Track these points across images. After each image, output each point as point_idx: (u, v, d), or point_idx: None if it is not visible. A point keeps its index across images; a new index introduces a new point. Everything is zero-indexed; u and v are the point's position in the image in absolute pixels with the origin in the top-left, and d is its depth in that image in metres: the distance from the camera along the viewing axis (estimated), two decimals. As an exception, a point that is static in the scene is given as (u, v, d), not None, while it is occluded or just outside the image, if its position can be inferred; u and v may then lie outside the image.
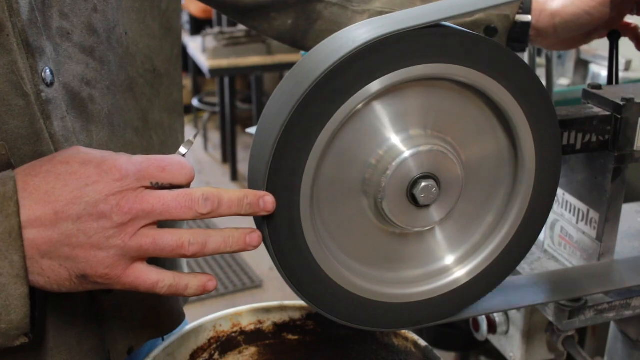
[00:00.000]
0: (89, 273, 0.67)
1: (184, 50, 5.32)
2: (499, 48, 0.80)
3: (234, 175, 5.01)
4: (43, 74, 0.74)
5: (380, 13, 1.08)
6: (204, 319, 1.00)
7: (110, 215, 0.65)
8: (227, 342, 0.99)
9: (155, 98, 0.95)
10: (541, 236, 1.20)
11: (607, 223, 1.11)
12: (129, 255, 0.67)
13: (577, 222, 1.17)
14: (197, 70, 5.22)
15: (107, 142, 0.85)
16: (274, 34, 1.16)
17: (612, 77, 1.28)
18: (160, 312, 0.94)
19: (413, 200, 0.80)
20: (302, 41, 1.15)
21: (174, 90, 1.00)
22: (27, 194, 0.66)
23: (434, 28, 0.76)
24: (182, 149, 0.75)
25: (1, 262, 0.64)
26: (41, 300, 0.71)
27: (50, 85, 0.76)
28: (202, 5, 5.26)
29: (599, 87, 1.09)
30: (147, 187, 0.67)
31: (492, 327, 1.39)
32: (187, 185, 0.70)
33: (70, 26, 0.79)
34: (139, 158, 0.68)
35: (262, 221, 0.77)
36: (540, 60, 1.64)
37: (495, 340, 1.44)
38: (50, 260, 0.66)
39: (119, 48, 0.87)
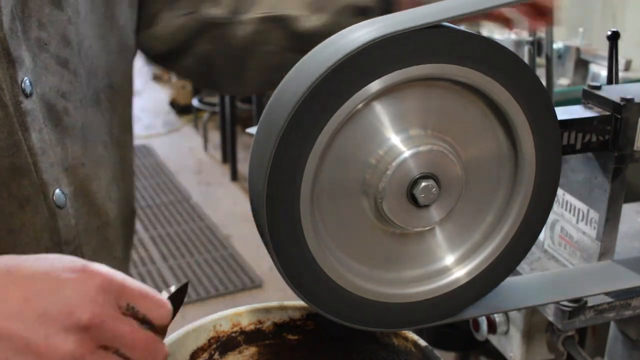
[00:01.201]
0: None
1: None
2: (499, 48, 0.80)
3: (234, 175, 5.01)
4: (22, 85, 0.74)
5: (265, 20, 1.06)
6: (204, 319, 1.00)
7: (73, 314, 0.60)
8: (227, 342, 0.99)
9: (114, 114, 0.95)
10: (541, 236, 1.20)
11: (607, 223, 1.12)
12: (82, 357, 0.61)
13: (577, 222, 1.17)
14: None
15: (80, 155, 0.84)
16: (188, 73, 1.13)
17: (612, 77, 1.28)
18: None
19: (413, 200, 0.80)
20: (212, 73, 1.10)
21: (126, 107, 0.99)
22: (6, 272, 0.61)
23: (434, 28, 0.76)
24: (172, 288, 0.70)
25: None
26: None
27: (29, 96, 0.75)
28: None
29: (598, 87, 1.09)
30: (122, 310, 0.63)
31: (492, 327, 1.39)
32: (160, 329, 0.66)
33: (48, 37, 0.78)
34: (116, 275, 0.63)
35: (263, 221, 0.77)
36: (540, 60, 1.64)
37: (495, 340, 1.44)
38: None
39: (87, 61, 0.86)
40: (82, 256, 0.84)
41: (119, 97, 0.96)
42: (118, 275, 0.63)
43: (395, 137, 0.80)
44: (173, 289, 0.69)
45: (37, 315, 0.59)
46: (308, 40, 0.90)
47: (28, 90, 0.75)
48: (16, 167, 0.75)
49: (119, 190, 0.95)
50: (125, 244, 0.98)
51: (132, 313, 0.63)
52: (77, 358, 0.60)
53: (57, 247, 0.81)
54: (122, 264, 1.01)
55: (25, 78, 0.74)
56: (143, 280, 3.01)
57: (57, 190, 0.81)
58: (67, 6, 0.81)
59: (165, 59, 1.11)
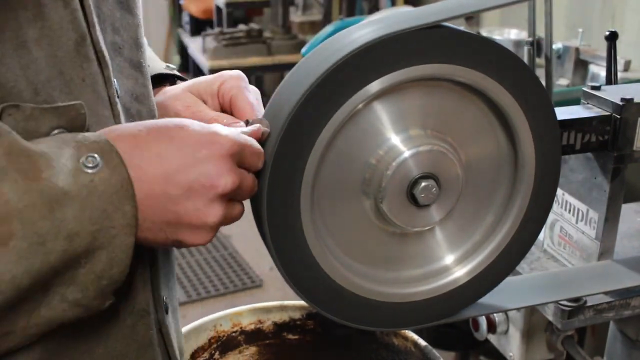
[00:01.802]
0: (186, 241, 0.69)
1: (185, 51, 5.32)
2: (499, 48, 0.80)
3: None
4: (115, 86, 0.74)
5: None
6: (204, 318, 1.00)
7: (217, 187, 0.67)
8: (228, 342, 0.99)
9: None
10: (541, 236, 1.21)
11: (607, 223, 1.12)
12: (225, 218, 0.70)
13: (576, 222, 1.18)
14: (197, 71, 5.22)
15: None
16: None
17: (611, 77, 1.28)
18: None
19: (413, 200, 0.81)
20: None
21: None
22: (138, 151, 0.66)
23: (434, 29, 0.76)
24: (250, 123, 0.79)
25: (114, 214, 0.63)
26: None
27: (119, 97, 0.76)
28: (202, 6, 5.26)
29: (598, 87, 1.10)
30: (239, 165, 0.71)
31: (492, 326, 1.39)
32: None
33: (121, 41, 0.79)
34: (240, 138, 0.71)
35: (264, 221, 0.77)
36: (540, 61, 1.63)
37: (495, 340, 1.44)
38: (152, 222, 0.67)
39: (147, 61, 0.86)
40: None
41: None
42: (237, 136, 0.70)
43: (395, 137, 0.80)
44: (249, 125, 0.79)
45: (183, 191, 0.66)
46: None
47: (118, 91, 0.76)
48: None
49: None
50: None
51: (245, 166, 0.72)
52: (220, 223, 0.69)
53: None
54: None
55: (114, 80, 0.75)
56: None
57: None
58: (136, 9, 0.82)
59: None
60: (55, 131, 0.66)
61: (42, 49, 0.66)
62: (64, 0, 0.67)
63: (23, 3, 0.64)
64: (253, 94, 0.86)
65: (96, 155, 0.63)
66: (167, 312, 0.83)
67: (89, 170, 0.62)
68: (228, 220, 0.72)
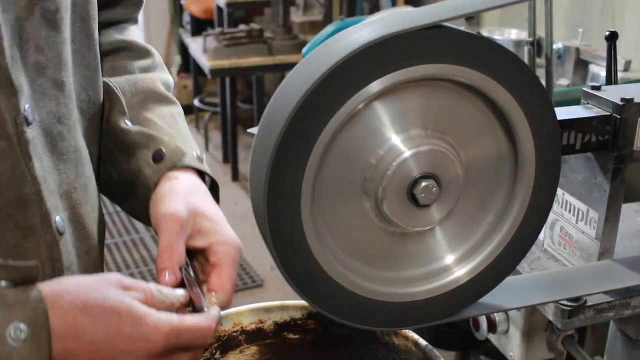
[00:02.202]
0: None
1: (185, 51, 5.32)
2: (499, 48, 0.81)
3: (235, 176, 5.01)
4: (25, 113, 0.72)
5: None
6: (205, 318, 1.00)
7: None
8: (228, 342, 1.00)
9: (90, 128, 0.92)
10: (541, 236, 1.21)
11: (607, 223, 1.12)
12: None
13: (576, 222, 1.18)
14: (198, 71, 5.22)
15: (73, 180, 0.83)
16: None
17: (611, 77, 1.28)
18: None
19: (413, 199, 0.81)
20: None
21: (97, 118, 0.96)
22: (71, 333, 0.65)
23: (434, 29, 0.76)
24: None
25: None
26: None
27: (30, 124, 0.73)
28: (203, 6, 5.26)
29: (598, 87, 1.10)
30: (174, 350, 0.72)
31: (492, 326, 1.39)
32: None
33: (45, 60, 0.77)
34: (179, 326, 0.71)
35: (264, 220, 0.77)
36: (540, 61, 1.63)
37: (495, 340, 1.44)
38: None
39: (71, 79, 0.84)
40: None
41: (97, 110, 0.94)
42: (170, 329, 0.70)
43: (395, 137, 0.80)
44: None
45: None
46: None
47: (30, 118, 0.74)
48: (21, 197, 0.74)
49: (99, 210, 0.94)
50: (101, 266, 0.97)
51: (182, 349, 0.72)
52: None
53: (59, 273, 0.80)
54: None
55: (27, 105, 0.73)
56: (144, 279, 2.99)
57: (58, 217, 0.79)
58: (63, 25, 0.80)
59: None
60: (3, 283, 0.65)
61: None
62: None
63: None
64: (236, 270, 0.86)
65: (24, 327, 0.62)
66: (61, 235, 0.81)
67: (12, 342, 0.61)
68: None
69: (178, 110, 1.02)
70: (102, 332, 0.66)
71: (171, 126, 0.97)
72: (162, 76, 1.04)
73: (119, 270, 3.66)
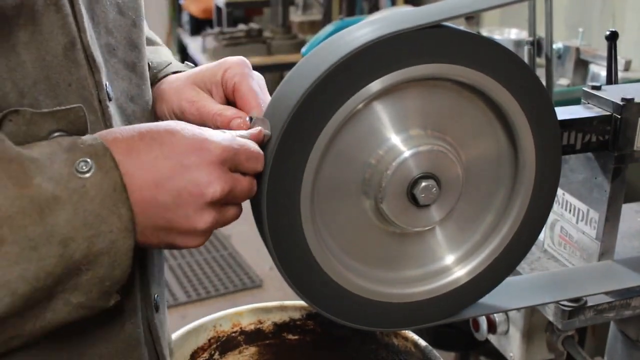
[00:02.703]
0: (178, 244, 0.70)
1: (184, 50, 5.32)
2: (499, 48, 0.80)
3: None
4: (107, 89, 0.75)
5: None
6: (204, 318, 1.00)
7: (206, 194, 0.68)
8: (227, 342, 0.99)
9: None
10: (541, 236, 1.20)
11: (607, 223, 1.12)
12: (217, 222, 0.71)
13: (577, 222, 1.18)
14: (197, 71, 5.22)
15: None
16: None
17: (611, 77, 1.28)
18: None
19: (413, 200, 0.81)
20: None
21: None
22: (130, 158, 0.66)
23: (434, 28, 0.76)
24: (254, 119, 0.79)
25: (110, 217, 0.63)
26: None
27: (110, 100, 0.76)
28: (202, 6, 5.26)
29: (598, 87, 1.09)
30: (233, 170, 0.72)
31: (492, 327, 1.39)
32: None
33: (115, 42, 0.79)
34: (233, 143, 0.71)
35: (264, 221, 0.77)
36: (540, 60, 1.64)
37: (495, 340, 1.44)
38: (144, 227, 0.67)
39: (144, 61, 0.86)
40: None
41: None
42: (229, 142, 0.70)
43: (395, 137, 0.80)
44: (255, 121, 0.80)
45: (172, 198, 0.67)
46: None
47: (111, 94, 0.76)
48: None
49: None
50: None
51: (241, 170, 0.72)
52: (213, 227, 0.70)
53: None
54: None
55: (107, 83, 0.75)
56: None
57: None
58: (128, 10, 0.82)
59: None
60: (56, 134, 0.66)
61: (30, 53, 0.66)
62: (56, 5, 0.67)
63: (17, 9, 0.64)
64: (257, 80, 0.86)
65: (89, 160, 0.63)
66: (157, 310, 0.83)
67: (81, 175, 0.62)
68: (221, 224, 0.72)
69: (163, 48, 1.05)
70: (158, 150, 0.67)
71: (153, 53, 0.99)
72: (148, 30, 1.07)
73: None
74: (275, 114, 0.76)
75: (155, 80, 0.93)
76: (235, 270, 3.47)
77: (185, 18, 5.56)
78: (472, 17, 2.47)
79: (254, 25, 4.41)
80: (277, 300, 1.02)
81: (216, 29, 4.53)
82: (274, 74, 5.10)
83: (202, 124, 0.83)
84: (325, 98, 0.74)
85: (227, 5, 4.64)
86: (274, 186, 0.75)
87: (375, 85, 0.75)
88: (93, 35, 0.74)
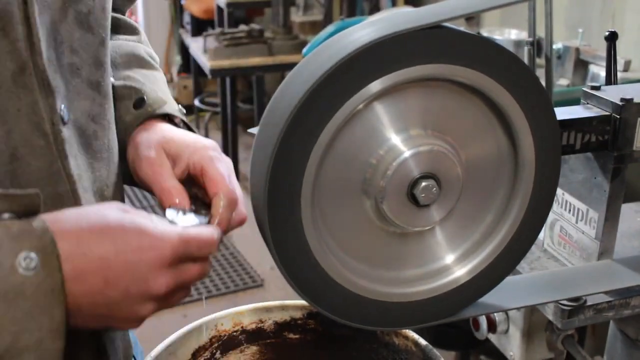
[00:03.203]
0: (116, 327, 0.71)
1: (186, 51, 5.32)
2: (499, 49, 0.81)
3: (235, 176, 5.01)
4: (61, 113, 0.74)
5: None
6: (205, 318, 1.00)
7: (151, 291, 0.69)
8: (229, 341, 1.00)
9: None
10: (541, 236, 1.21)
11: (607, 223, 1.12)
12: (158, 309, 0.72)
13: (576, 222, 1.18)
14: (198, 71, 5.22)
15: (105, 178, 0.84)
16: None
17: (611, 77, 1.29)
18: None
19: (413, 200, 0.81)
20: None
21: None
22: (79, 250, 0.65)
23: (434, 29, 0.76)
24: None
25: (41, 317, 0.62)
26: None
27: (65, 123, 0.75)
28: (203, 6, 5.26)
29: (598, 87, 1.10)
30: (183, 260, 0.72)
31: (492, 326, 1.39)
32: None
33: (80, 61, 0.79)
34: (182, 237, 0.71)
35: (265, 220, 0.77)
36: (540, 61, 1.64)
37: (495, 339, 1.45)
38: (83, 318, 0.67)
39: (108, 79, 0.85)
40: None
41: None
42: (178, 239, 0.70)
43: (395, 137, 0.80)
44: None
45: (119, 294, 0.67)
46: None
47: (65, 117, 0.75)
48: (57, 195, 0.75)
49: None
50: None
51: (191, 259, 0.73)
52: (152, 314, 0.71)
53: None
54: None
55: (62, 105, 0.75)
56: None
57: None
58: (98, 27, 0.82)
59: None
60: (6, 215, 0.64)
61: None
62: (3, 30, 0.66)
63: None
64: (225, 164, 0.85)
65: (34, 255, 0.62)
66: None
67: (23, 272, 0.61)
68: (163, 308, 0.73)
69: (160, 75, 1.03)
70: (110, 246, 0.66)
71: (153, 84, 0.97)
72: (147, 48, 1.05)
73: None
74: (276, 114, 0.76)
75: (148, 116, 0.92)
76: (237, 269, 3.47)
77: (186, 18, 5.56)
78: (472, 18, 2.47)
79: (255, 26, 4.41)
80: (278, 300, 1.02)
81: (217, 30, 4.53)
82: (274, 74, 5.10)
83: (148, 188, 0.84)
84: (325, 98, 0.74)
85: (229, 5, 4.64)
86: (274, 186, 0.75)
87: (376, 86, 0.76)
88: (53, 56, 0.73)
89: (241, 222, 0.84)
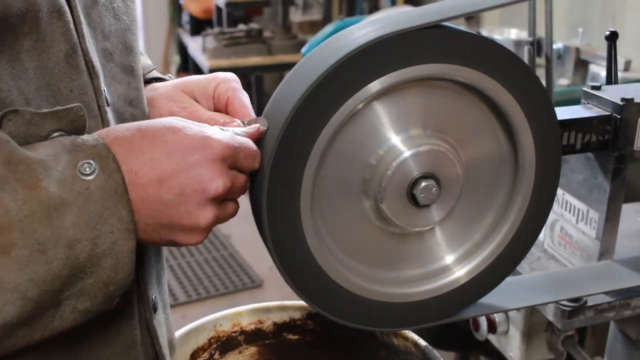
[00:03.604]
0: (179, 242, 0.71)
1: (184, 51, 5.32)
2: (499, 48, 0.80)
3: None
4: (105, 95, 0.75)
5: None
6: (204, 318, 1.00)
7: (209, 191, 0.69)
8: (228, 342, 1.00)
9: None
10: (541, 236, 1.20)
11: (607, 223, 1.12)
12: (217, 218, 0.72)
13: (576, 222, 1.18)
14: (197, 71, 5.22)
15: None
16: None
17: (611, 77, 1.28)
18: None
19: (413, 200, 0.81)
20: None
21: None
22: (133, 155, 0.67)
23: (434, 29, 0.76)
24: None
25: (111, 219, 0.64)
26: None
27: (108, 105, 0.76)
28: (202, 6, 5.26)
29: (598, 87, 1.09)
30: (232, 167, 0.73)
31: (492, 326, 1.39)
32: None
33: (112, 46, 0.80)
34: (233, 141, 0.72)
35: (264, 220, 0.77)
36: (540, 61, 1.64)
37: (495, 340, 1.44)
38: (146, 224, 0.68)
39: (140, 64, 0.87)
40: None
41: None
42: (229, 140, 0.71)
43: (395, 137, 0.80)
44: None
45: (175, 196, 0.68)
46: None
47: (109, 99, 0.77)
48: None
49: None
50: None
51: (239, 167, 0.74)
52: (213, 224, 0.71)
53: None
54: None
55: (104, 88, 0.76)
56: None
57: None
58: (122, 14, 0.83)
59: None
60: (55, 134, 0.66)
61: (32, 60, 0.66)
62: (58, 12, 0.68)
63: (22, 18, 0.64)
64: (246, 95, 0.87)
65: (92, 162, 0.64)
66: (155, 311, 0.83)
67: (85, 177, 0.63)
68: (221, 220, 0.73)
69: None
70: (161, 147, 0.68)
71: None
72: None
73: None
74: (275, 114, 0.76)
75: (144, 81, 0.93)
76: (235, 270, 3.47)
77: (185, 18, 5.57)
78: (472, 17, 2.47)
79: (254, 26, 4.41)
80: (277, 300, 1.02)
81: (216, 29, 4.53)
82: (273, 74, 5.10)
83: None
84: (325, 98, 0.74)
85: (227, 5, 4.64)
86: (274, 186, 0.75)
87: (375, 86, 0.75)
88: (91, 40, 0.74)
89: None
